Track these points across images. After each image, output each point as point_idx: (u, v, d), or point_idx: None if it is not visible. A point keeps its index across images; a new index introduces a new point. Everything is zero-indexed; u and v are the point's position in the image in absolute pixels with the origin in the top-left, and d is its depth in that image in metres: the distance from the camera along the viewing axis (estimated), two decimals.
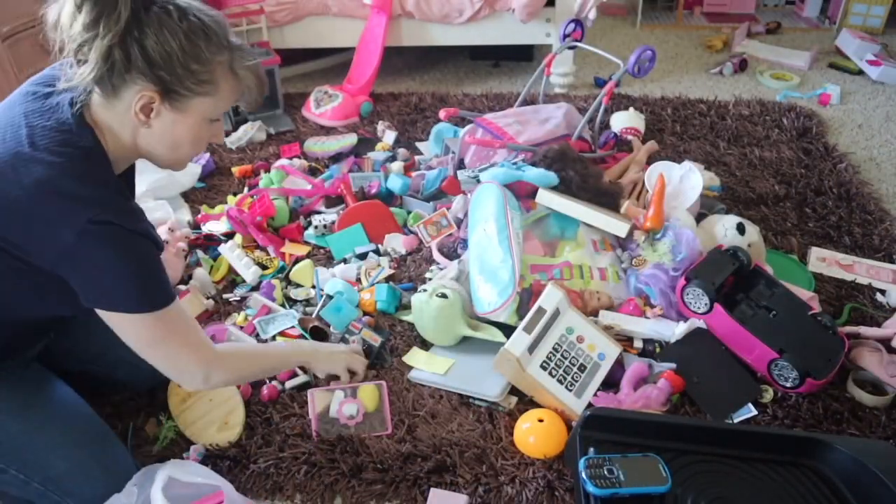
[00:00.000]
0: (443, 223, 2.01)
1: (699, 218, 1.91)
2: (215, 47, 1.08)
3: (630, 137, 2.44)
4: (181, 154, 1.18)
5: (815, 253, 1.94)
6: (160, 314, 1.13)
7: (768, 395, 1.51)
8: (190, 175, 2.28)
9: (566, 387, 1.47)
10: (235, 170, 2.36)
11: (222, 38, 1.10)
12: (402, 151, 2.41)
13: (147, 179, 2.08)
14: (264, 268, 1.88)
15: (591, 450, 1.22)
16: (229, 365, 1.29)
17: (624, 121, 2.53)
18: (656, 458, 1.21)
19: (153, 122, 1.10)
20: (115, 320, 1.12)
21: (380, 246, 1.98)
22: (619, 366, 1.56)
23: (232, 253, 1.88)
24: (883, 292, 1.80)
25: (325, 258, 1.97)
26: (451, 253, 1.94)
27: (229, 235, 2.02)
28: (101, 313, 1.12)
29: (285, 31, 2.91)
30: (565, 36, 2.52)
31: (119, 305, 1.10)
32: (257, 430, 1.46)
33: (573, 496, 1.32)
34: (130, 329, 1.14)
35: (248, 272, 1.84)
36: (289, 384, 1.56)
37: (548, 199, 1.83)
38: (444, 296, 1.60)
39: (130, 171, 1.28)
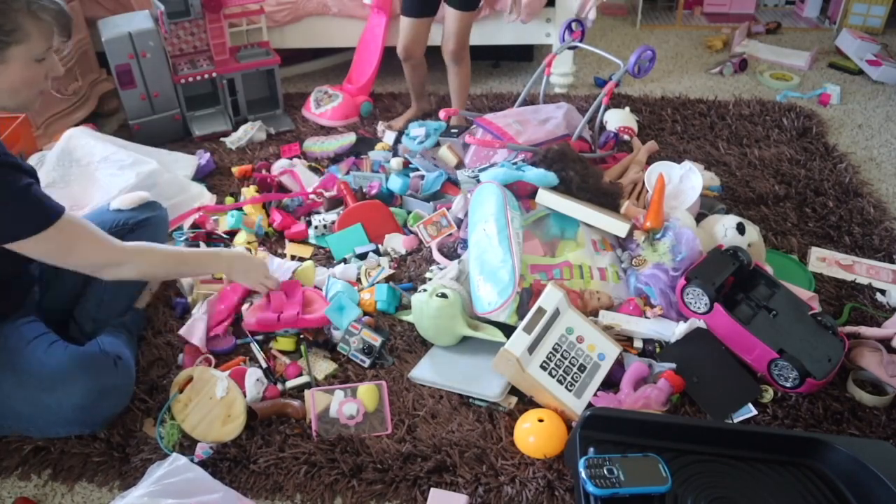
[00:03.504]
0: (443, 223, 2.01)
1: (699, 218, 1.91)
2: None
3: (626, 137, 2.44)
4: (22, 97, 1.30)
5: (815, 253, 1.94)
6: (57, 226, 1.28)
7: (768, 395, 1.51)
8: (185, 166, 2.29)
9: (566, 387, 1.47)
10: (235, 170, 2.36)
11: None
12: (400, 148, 2.41)
13: (137, 171, 2.07)
14: None
15: (591, 450, 1.22)
16: (140, 257, 1.45)
17: (619, 119, 2.53)
18: (656, 458, 1.21)
19: None
20: (24, 247, 1.27)
21: (380, 246, 1.98)
22: (619, 366, 1.56)
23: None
24: (883, 292, 1.80)
25: (325, 258, 1.97)
26: (451, 253, 1.94)
27: (231, 234, 2.02)
28: (9, 246, 1.26)
29: (285, 31, 2.91)
30: (566, 35, 2.52)
31: (19, 234, 1.25)
32: (257, 430, 1.46)
33: (573, 496, 1.32)
34: (40, 249, 1.29)
35: None
36: (289, 384, 1.56)
37: (548, 199, 1.83)
38: (444, 296, 1.60)
39: None
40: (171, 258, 1.55)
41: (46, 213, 1.28)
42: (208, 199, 2.17)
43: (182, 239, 1.97)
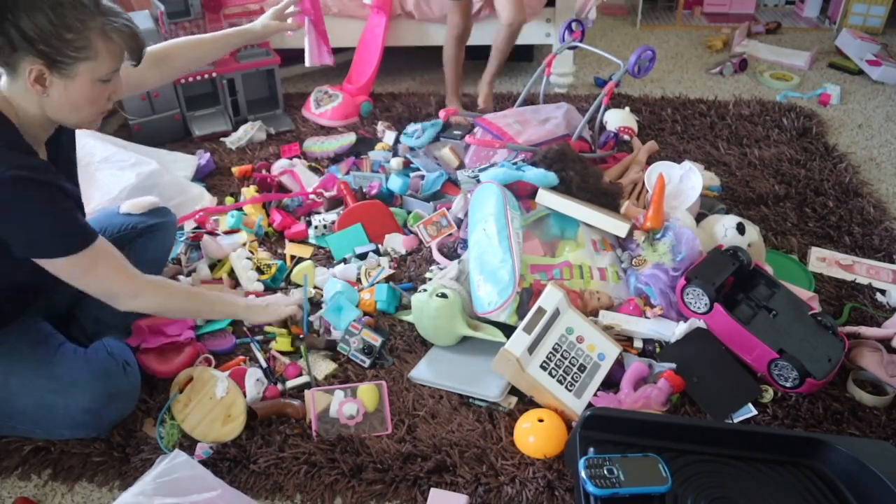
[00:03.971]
0: (443, 223, 2.01)
1: (699, 218, 1.91)
2: (83, 15, 1.18)
3: (626, 137, 2.44)
4: (84, 115, 1.31)
5: (815, 253, 1.95)
6: (86, 252, 1.28)
7: (768, 395, 1.51)
8: (184, 166, 2.29)
9: (566, 387, 1.47)
10: (235, 170, 2.36)
11: (89, 5, 1.19)
12: (400, 148, 2.41)
13: (137, 172, 2.07)
14: (262, 272, 1.88)
15: (591, 450, 1.22)
16: (156, 291, 1.44)
17: (619, 119, 2.53)
18: (656, 458, 1.21)
19: (49, 90, 1.22)
20: (51, 265, 1.28)
21: (380, 246, 1.98)
22: (619, 366, 1.56)
23: (239, 261, 1.88)
24: (883, 292, 1.80)
25: (325, 258, 1.97)
26: (451, 253, 1.94)
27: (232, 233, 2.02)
28: (36, 261, 1.27)
29: None
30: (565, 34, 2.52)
31: (50, 252, 1.26)
32: (257, 430, 1.46)
33: (573, 496, 1.32)
34: (64, 269, 1.29)
35: (250, 282, 1.83)
36: (289, 384, 1.56)
37: (548, 199, 1.83)
38: (443, 296, 1.60)
39: (60, 139, 1.40)
40: (190, 298, 1.54)
41: (79, 238, 1.28)
42: (208, 200, 2.18)
43: (182, 239, 1.98)
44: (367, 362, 1.60)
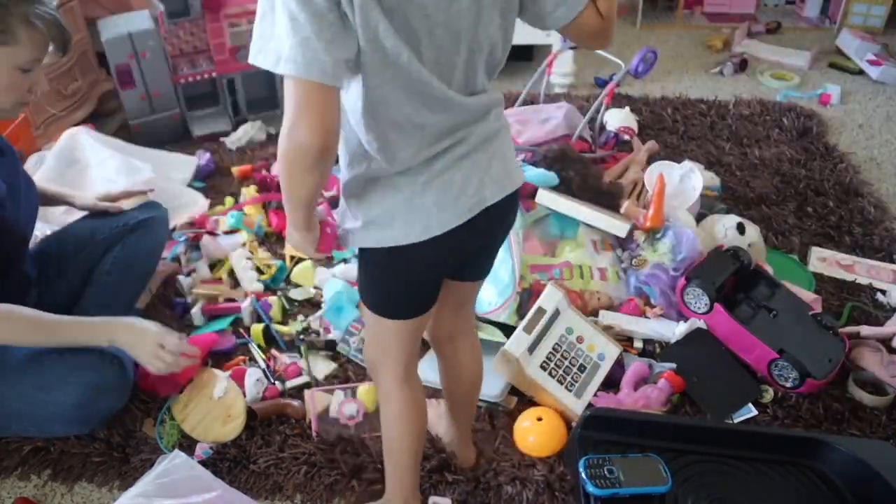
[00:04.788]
0: None
1: (699, 218, 1.90)
2: (6, 0, 1.16)
3: (626, 137, 2.44)
4: (4, 104, 1.27)
5: (816, 253, 1.94)
6: None
7: (768, 395, 1.51)
8: (184, 167, 2.29)
9: (566, 387, 1.47)
10: (235, 170, 2.35)
11: None
12: None
13: (133, 181, 2.06)
14: (262, 273, 1.88)
15: (591, 450, 1.22)
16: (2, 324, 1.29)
17: (619, 119, 2.53)
18: (656, 459, 1.21)
19: None
20: None
21: None
22: (619, 366, 1.56)
23: (240, 262, 1.88)
24: (883, 292, 1.80)
25: (326, 258, 1.97)
26: None
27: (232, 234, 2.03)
28: None
29: None
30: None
31: None
32: (257, 430, 1.46)
33: (573, 496, 1.32)
34: None
35: (250, 283, 1.83)
36: (289, 384, 1.56)
37: (548, 199, 1.83)
38: None
39: None
40: (40, 328, 1.34)
41: None
42: (202, 205, 2.14)
43: (182, 239, 1.98)
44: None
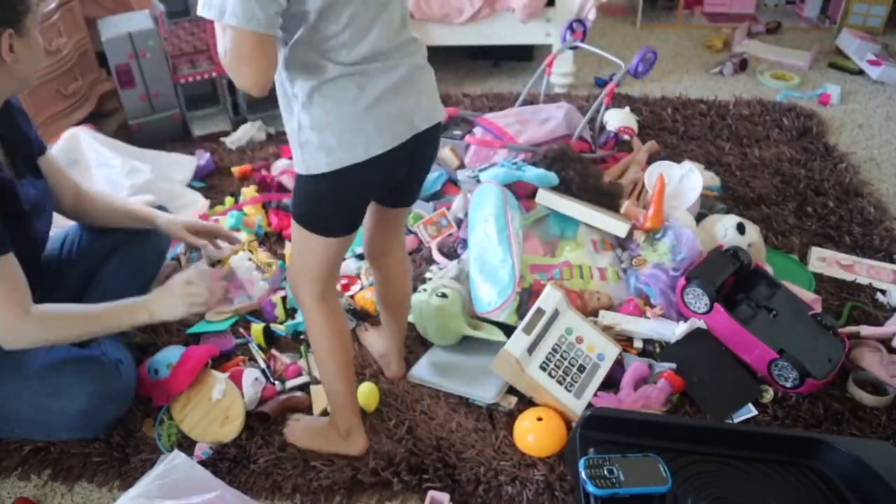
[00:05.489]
0: (443, 223, 2.01)
1: (699, 218, 1.90)
2: None
3: (626, 137, 2.44)
4: (40, 67, 1.37)
5: (815, 253, 1.94)
6: None
7: (768, 395, 1.51)
8: (183, 168, 2.29)
9: (566, 387, 1.47)
10: (235, 170, 2.36)
11: None
12: None
13: (132, 183, 2.07)
14: (262, 272, 1.88)
15: (591, 450, 1.22)
16: (44, 325, 1.30)
17: (619, 119, 2.53)
18: (656, 459, 1.21)
19: (18, 55, 1.22)
20: None
21: None
22: (619, 366, 1.56)
23: (243, 263, 1.88)
24: (883, 292, 1.80)
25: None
26: (451, 253, 1.94)
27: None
28: None
29: None
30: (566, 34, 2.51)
31: None
32: (257, 429, 1.46)
33: (573, 496, 1.32)
34: None
35: (255, 288, 1.83)
36: (289, 384, 1.56)
37: (548, 199, 1.83)
38: (444, 296, 1.60)
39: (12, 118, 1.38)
40: (79, 322, 1.34)
41: None
42: (202, 205, 2.16)
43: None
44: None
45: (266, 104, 2.78)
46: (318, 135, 1.10)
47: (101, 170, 2.08)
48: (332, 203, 1.18)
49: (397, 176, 1.22)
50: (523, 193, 1.91)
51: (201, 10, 0.99)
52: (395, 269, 1.47)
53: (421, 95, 1.17)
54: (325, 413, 1.49)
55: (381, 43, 1.09)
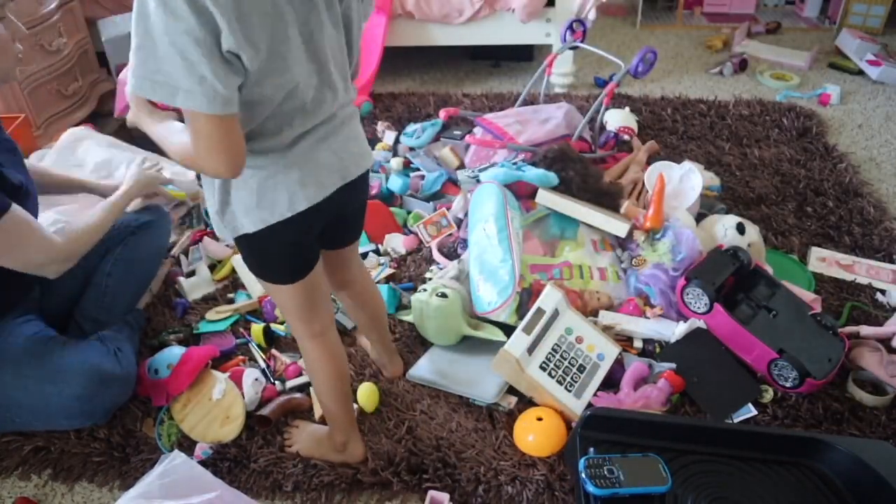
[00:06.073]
0: (443, 223, 2.01)
1: (699, 218, 1.91)
2: None
3: (626, 137, 2.44)
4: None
5: (815, 253, 1.94)
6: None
7: (768, 395, 1.51)
8: (183, 168, 2.29)
9: (565, 387, 1.47)
10: None
11: None
12: (400, 148, 2.41)
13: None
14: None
15: (591, 450, 1.22)
16: (74, 248, 1.43)
17: (619, 119, 2.53)
18: (656, 458, 1.21)
19: None
20: None
21: (380, 246, 1.98)
22: (619, 366, 1.56)
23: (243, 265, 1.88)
24: (883, 292, 1.80)
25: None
26: (451, 253, 1.94)
27: None
28: None
29: None
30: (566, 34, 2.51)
31: None
32: (257, 430, 1.46)
33: (573, 496, 1.32)
34: None
35: (253, 283, 1.83)
36: (289, 384, 1.56)
37: (548, 199, 1.83)
38: (444, 295, 1.60)
39: None
40: (94, 231, 1.49)
41: None
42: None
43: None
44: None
45: None
46: (237, 193, 1.04)
47: (99, 169, 2.08)
48: (274, 257, 1.12)
49: (336, 218, 1.17)
50: (523, 193, 1.91)
51: (141, 90, 0.83)
52: (362, 296, 1.43)
53: (349, 141, 1.11)
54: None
55: (319, 116, 1.04)
